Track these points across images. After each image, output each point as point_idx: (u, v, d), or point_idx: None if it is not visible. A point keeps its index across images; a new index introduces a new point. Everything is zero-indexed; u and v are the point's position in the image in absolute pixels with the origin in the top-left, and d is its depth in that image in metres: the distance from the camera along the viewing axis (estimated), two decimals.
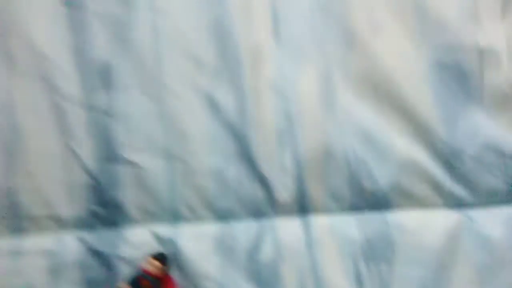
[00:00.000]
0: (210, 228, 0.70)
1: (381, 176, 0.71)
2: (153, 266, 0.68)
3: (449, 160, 0.71)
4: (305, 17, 0.77)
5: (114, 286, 0.68)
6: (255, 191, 0.72)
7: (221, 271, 0.67)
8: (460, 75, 0.74)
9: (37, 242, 0.71)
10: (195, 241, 0.69)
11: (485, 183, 0.70)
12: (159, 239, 0.70)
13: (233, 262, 0.68)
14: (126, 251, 0.70)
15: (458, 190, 0.70)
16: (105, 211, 0.71)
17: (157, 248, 0.69)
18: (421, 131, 0.72)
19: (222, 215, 0.71)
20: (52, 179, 0.73)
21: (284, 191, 0.71)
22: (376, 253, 0.68)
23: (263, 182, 0.72)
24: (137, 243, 0.70)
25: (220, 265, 0.67)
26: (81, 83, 0.76)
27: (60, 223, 0.72)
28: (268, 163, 0.73)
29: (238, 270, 0.67)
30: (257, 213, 0.71)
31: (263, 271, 0.67)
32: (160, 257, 0.68)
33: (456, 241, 0.68)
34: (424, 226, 0.69)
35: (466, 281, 0.67)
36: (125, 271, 0.69)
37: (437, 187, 0.71)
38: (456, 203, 0.71)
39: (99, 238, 0.70)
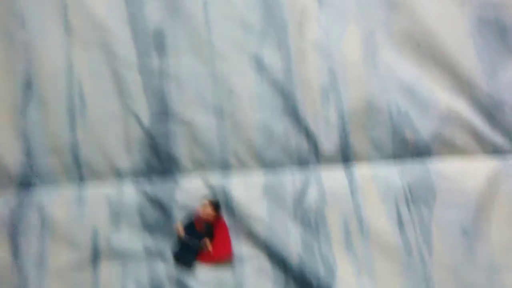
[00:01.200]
0: (258, 177, 0.77)
1: (423, 127, 0.76)
2: (206, 211, 0.75)
3: (490, 110, 0.76)
4: None
5: (171, 228, 0.75)
6: (301, 143, 0.78)
7: (269, 214, 0.73)
8: (501, 31, 0.79)
9: (98, 191, 0.78)
10: (245, 188, 0.76)
11: None
12: (211, 186, 0.76)
13: (280, 206, 0.74)
14: (180, 197, 0.76)
15: (498, 138, 0.75)
16: (160, 163, 0.78)
17: (209, 194, 0.76)
18: (463, 84, 0.77)
19: (269, 165, 0.77)
20: (111, 134, 0.81)
21: (328, 143, 0.77)
22: (417, 198, 0.73)
23: (308, 134, 0.78)
24: (190, 190, 0.77)
25: (269, 209, 0.73)
26: (136, 48, 0.84)
27: (119, 174, 0.79)
28: (313, 117, 0.79)
29: (285, 213, 0.73)
30: (302, 163, 0.77)
31: (309, 214, 0.73)
32: (213, 202, 0.75)
33: (495, 185, 0.73)
34: (464, 172, 0.74)
35: (504, 221, 0.71)
36: (180, 216, 0.75)
37: (477, 136, 0.75)
38: (495, 150, 0.75)
39: (155, 187, 0.77)
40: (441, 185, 0.73)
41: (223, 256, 0.75)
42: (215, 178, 0.78)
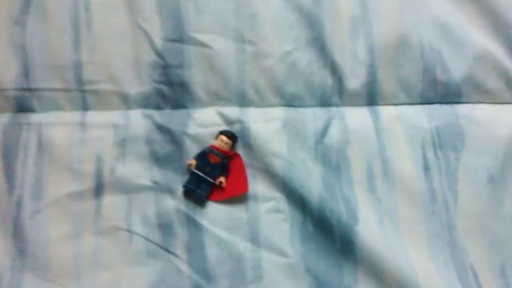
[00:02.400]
0: (277, 111, 0.71)
1: (455, 68, 0.71)
2: (221, 142, 0.69)
3: None
4: None
5: (182, 162, 0.69)
6: (325, 78, 0.72)
7: (289, 150, 0.68)
8: None
9: (103, 116, 0.73)
10: (263, 122, 0.71)
11: None
12: (227, 119, 0.71)
13: (301, 143, 0.69)
14: (193, 130, 0.70)
15: None
16: (172, 91, 0.72)
17: (225, 127, 0.70)
18: (498, 25, 0.72)
19: (290, 100, 0.71)
20: (119, 55, 0.73)
21: (355, 78, 0.71)
22: (445, 142, 0.69)
23: (334, 68, 0.72)
24: (204, 122, 0.71)
25: (288, 145, 0.69)
26: None
27: (126, 100, 0.73)
28: (340, 50, 0.73)
29: (305, 151, 0.69)
30: (325, 99, 0.72)
31: (331, 153, 0.68)
32: (229, 134, 0.69)
33: None
34: (494, 117, 0.70)
35: None
36: (193, 148, 0.69)
37: (510, 80, 0.70)
38: None
39: (165, 116, 0.71)
40: (470, 130, 0.69)
41: (237, 190, 0.70)
42: (232, 111, 0.72)
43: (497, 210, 0.67)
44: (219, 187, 0.70)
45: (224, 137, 0.70)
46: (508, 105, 0.71)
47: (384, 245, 0.65)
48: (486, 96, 0.71)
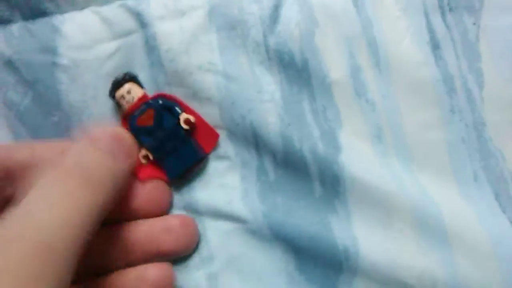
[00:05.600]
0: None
1: None
2: (126, 97, 0.40)
3: None
4: None
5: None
6: None
7: (223, 56, 0.42)
8: None
9: None
10: (177, 17, 0.42)
11: None
12: (115, 26, 0.42)
13: (241, 39, 0.42)
14: (66, 53, 0.41)
15: None
16: None
17: (116, 42, 0.41)
18: None
19: None
20: None
21: None
22: (457, 1, 0.44)
23: None
24: (81, 39, 0.41)
25: (221, 47, 0.42)
26: None
27: None
28: None
29: (250, 51, 0.42)
30: None
31: (290, 46, 0.42)
32: (120, 79, 0.40)
33: None
34: None
35: None
36: (75, 96, 0.41)
37: None
38: None
39: (11, 37, 0.42)
40: None
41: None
42: (121, 9, 0.42)
43: None
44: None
45: (123, 89, 0.40)
46: None
47: (384, 174, 0.42)
48: None
